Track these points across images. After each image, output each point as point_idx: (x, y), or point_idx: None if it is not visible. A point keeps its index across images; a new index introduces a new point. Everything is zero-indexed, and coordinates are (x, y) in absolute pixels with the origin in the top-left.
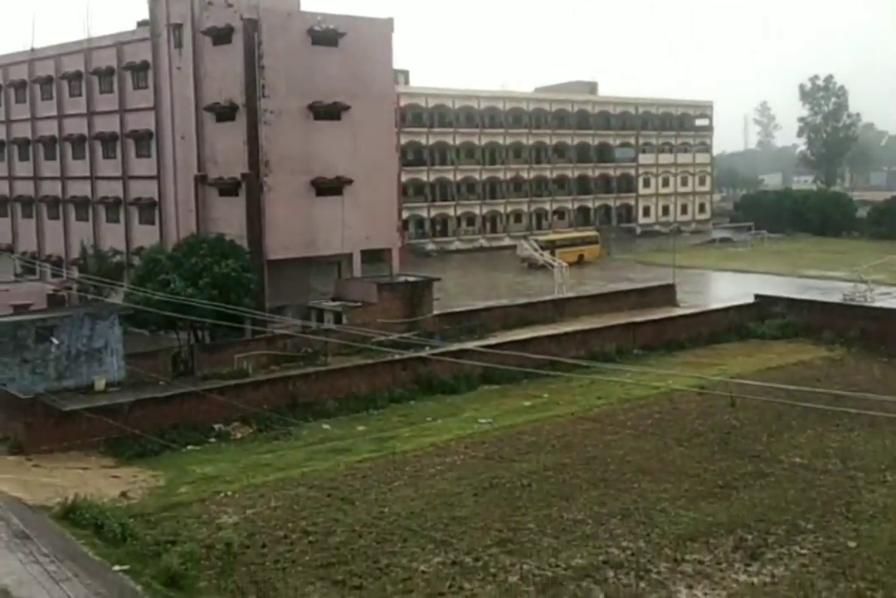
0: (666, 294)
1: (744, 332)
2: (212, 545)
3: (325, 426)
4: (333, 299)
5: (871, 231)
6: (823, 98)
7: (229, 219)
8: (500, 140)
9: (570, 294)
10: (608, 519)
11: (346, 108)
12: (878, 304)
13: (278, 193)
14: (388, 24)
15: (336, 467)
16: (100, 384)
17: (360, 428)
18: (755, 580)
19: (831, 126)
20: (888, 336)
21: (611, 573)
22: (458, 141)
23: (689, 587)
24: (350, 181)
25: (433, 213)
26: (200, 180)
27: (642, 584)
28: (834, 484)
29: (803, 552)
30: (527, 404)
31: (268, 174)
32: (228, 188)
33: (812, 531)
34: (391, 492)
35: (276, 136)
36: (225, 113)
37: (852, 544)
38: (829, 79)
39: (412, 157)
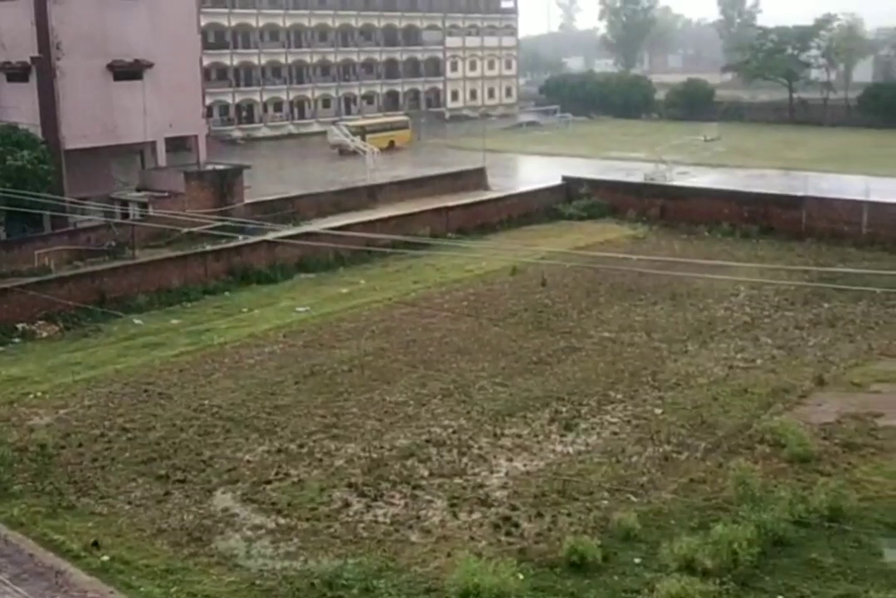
0: (477, 178)
1: (553, 213)
2: (24, 447)
3: (137, 321)
4: (138, 190)
5: (669, 113)
6: None
7: (21, 107)
8: (306, 22)
9: (383, 180)
10: (429, 400)
11: None
12: (676, 183)
13: (73, 78)
14: None
15: (151, 363)
16: None
17: (174, 322)
18: (570, 449)
19: (630, 9)
20: (687, 213)
21: (434, 451)
22: (262, 22)
23: (510, 459)
24: (150, 65)
25: (238, 98)
26: None
27: (465, 459)
28: (640, 356)
29: (614, 420)
30: (344, 290)
31: (60, 58)
32: (17, 73)
33: (621, 400)
34: (210, 385)
35: (68, 15)
36: None
37: (658, 410)
38: None
39: (213, 39)
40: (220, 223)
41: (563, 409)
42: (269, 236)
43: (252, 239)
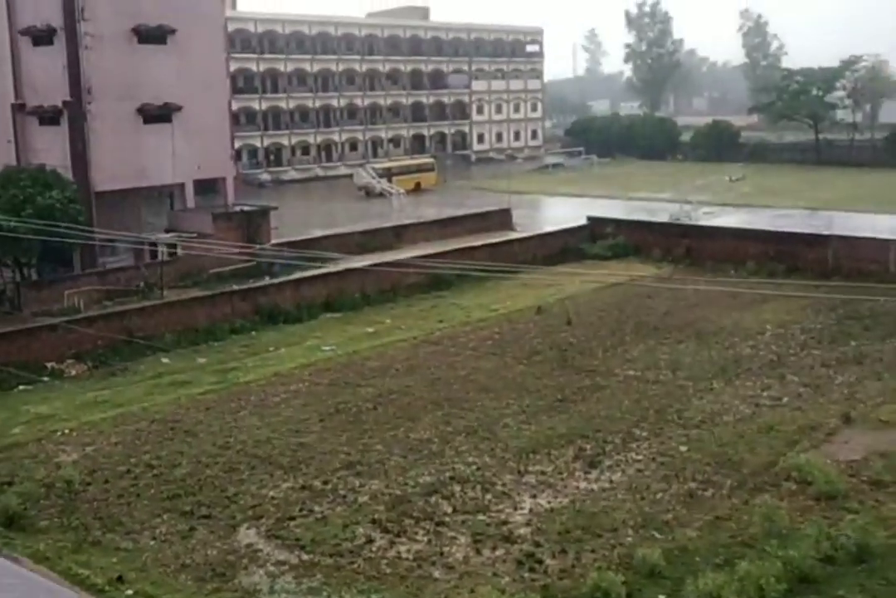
0: (502, 218)
1: (578, 253)
2: (52, 483)
3: (165, 360)
4: (167, 231)
5: (695, 154)
6: (649, 25)
7: (52, 149)
8: (333, 67)
9: (409, 221)
10: (453, 437)
11: (172, 31)
12: (702, 222)
13: (103, 121)
14: None
15: (177, 401)
16: None
17: (201, 361)
18: (594, 486)
19: (656, 52)
20: (713, 253)
21: (458, 488)
22: (290, 68)
23: (533, 496)
24: (179, 108)
25: (267, 142)
26: (18, 109)
27: (488, 496)
28: (665, 394)
29: (639, 458)
30: (370, 330)
31: (91, 102)
32: (49, 117)
33: (646, 438)
34: (236, 422)
35: (99, 61)
36: (42, 37)
37: (683, 448)
38: (654, 5)
39: (243, 84)
40: (247, 264)
41: (588, 446)
42: (296, 276)
43: (278, 279)
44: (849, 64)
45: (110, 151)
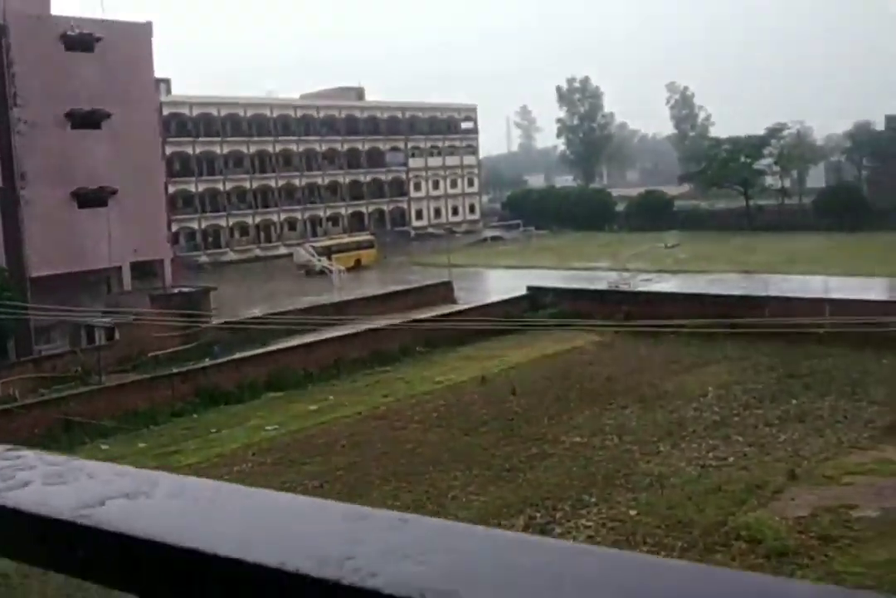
0: (444, 292)
1: (520, 323)
2: None
3: (104, 447)
4: (105, 315)
5: (630, 224)
6: (580, 100)
7: None
8: (270, 148)
9: (350, 297)
10: (402, 511)
11: (107, 115)
12: (640, 288)
13: (37, 207)
14: (146, 29)
15: None
16: None
17: (141, 445)
18: None
19: (587, 126)
20: (652, 317)
21: None
22: (226, 150)
23: None
24: (115, 191)
25: (204, 224)
26: None
27: None
28: (612, 459)
29: (589, 524)
30: (313, 407)
31: (24, 187)
32: None
33: (595, 504)
34: None
35: (32, 146)
36: None
37: (633, 512)
38: (584, 81)
39: (179, 167)
40: (187, 345)
41: (538, 515)
42: (236, 356)
43: (219, 360)
44: (774, 131)
45: (45, 236)
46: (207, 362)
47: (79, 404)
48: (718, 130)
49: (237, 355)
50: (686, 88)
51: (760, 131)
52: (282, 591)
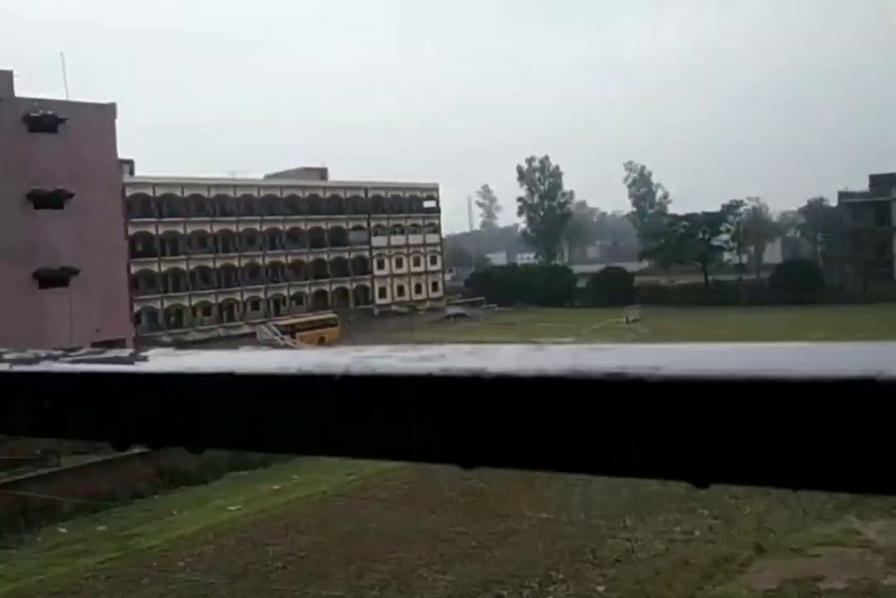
0: None
1: None
2: None
3: (62, 530)
4: None
5: (592, 300)
6: (540, 179)
7: None
8: (233, 228)
9: None
10: (367, 592)
11: (70, 195)
12: None
13: None
14: (110, 110)
15: (76, 572)
16: None
17: (101, 528)
18: None
19: (548, 205)
20: None
21: None
22: (190, 230)
23: None
24: (76, 271)
25: (167, 304)
26: None
27: None
28: (579, 534)
29: None
30: (276, 487)
31: None
32: None
33: (563, 580)
34: (139, 590)
35: None
36: None
37: (601, 588)
38: (544, 160)
39: (142, 248)
40: None
41: (505, 593)
42: None
43: None
44: (730, 208)
45: (5, 316)
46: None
47: (37, 487)
48: (676, 208)
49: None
50: (643, 167)
51: (717, 208)
52: None
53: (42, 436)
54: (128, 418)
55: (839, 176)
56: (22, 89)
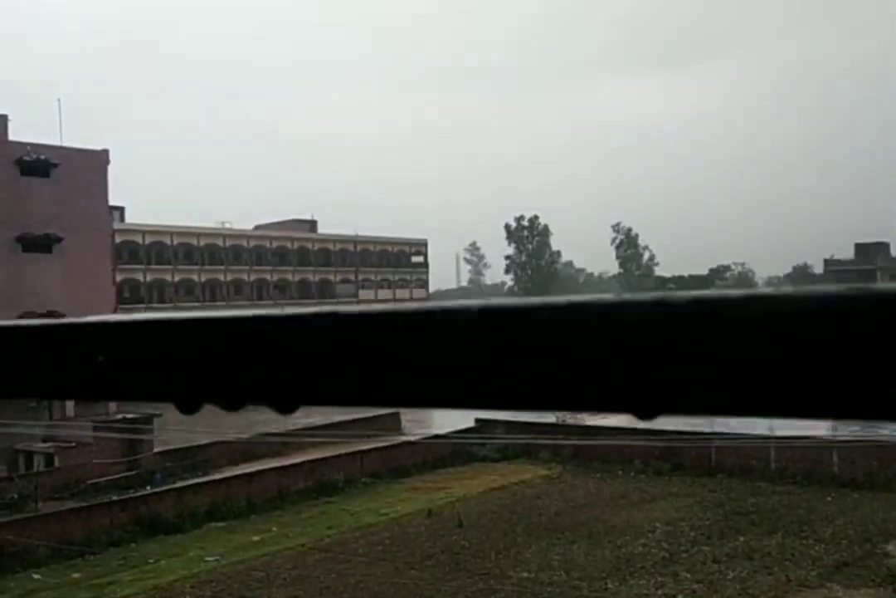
0: (391, 422)
1: (466, 455)
2: None
3: (36, 576)
4: (44, 441)
5: None
6: (527, 238)
7: None
8: (221, 277)
9: (295, 427)
10: None
11: (59, 239)
12: (587, 422)
13: None
14: (103, 156)
15: None
16: None
17: (76, 576)
18: None
19: (535, 263)
20: (599, 452)
21: None
22: (178, 278)
23: None
24: (62, 316)
25: None
26: None
27: None
28: (560, 595)
29: None
30: (255, 538)
31: None
32: None
33: None
34: None
35: None
36: None
37: None
38: (533, 219)
39: (129, 294)
40: (128, 473)
41: None
42: (178, 485)
43: (159, 488)
44: (717, 272)
45: None
46: (148, 489)
47: (12, 532)
48: (663, 270)
49: (178, 484)
50: (630, 230)
51: (704, 271)
52: None
53: (96, 399)
54: (198, 373)
55: (825, 244)
56: (15, 133)
